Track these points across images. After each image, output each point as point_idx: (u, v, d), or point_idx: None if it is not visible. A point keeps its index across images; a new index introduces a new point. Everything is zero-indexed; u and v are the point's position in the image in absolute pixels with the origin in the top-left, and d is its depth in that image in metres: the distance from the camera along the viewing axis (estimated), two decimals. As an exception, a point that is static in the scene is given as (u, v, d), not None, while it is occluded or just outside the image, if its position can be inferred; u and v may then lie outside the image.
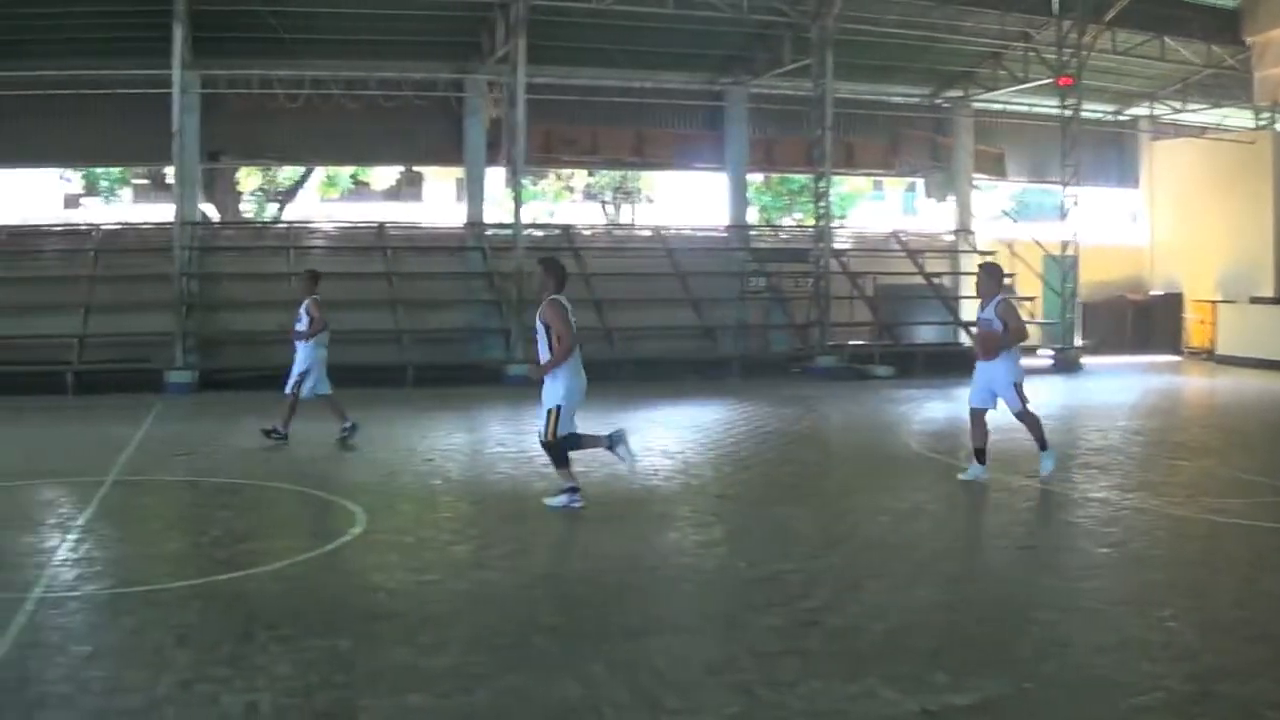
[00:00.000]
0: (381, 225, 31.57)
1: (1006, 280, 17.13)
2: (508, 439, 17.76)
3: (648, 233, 35.67)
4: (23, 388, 23.55)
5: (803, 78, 30.07)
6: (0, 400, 22.28)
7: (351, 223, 33.67)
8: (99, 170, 44.67)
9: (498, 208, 32.88)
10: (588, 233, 34.88)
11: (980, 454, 13.95)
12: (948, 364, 27.93)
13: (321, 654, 7.70)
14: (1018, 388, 13.72)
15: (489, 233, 30.55)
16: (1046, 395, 23.73)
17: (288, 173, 42.10)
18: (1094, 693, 7.07)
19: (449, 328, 28.71)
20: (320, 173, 44.02)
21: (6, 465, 15.66)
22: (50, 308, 26.31)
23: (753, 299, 31.83)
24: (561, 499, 12.47)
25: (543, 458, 13.19)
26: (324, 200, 47.23)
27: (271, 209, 42.52)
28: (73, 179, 47.25)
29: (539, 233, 33.18)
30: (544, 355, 12.42)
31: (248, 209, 42.00)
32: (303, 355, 17.58)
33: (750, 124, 33.81)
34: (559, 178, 48.61)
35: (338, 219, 35.77)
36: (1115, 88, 35.20)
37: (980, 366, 14.02)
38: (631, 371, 26.55)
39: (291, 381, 17.51)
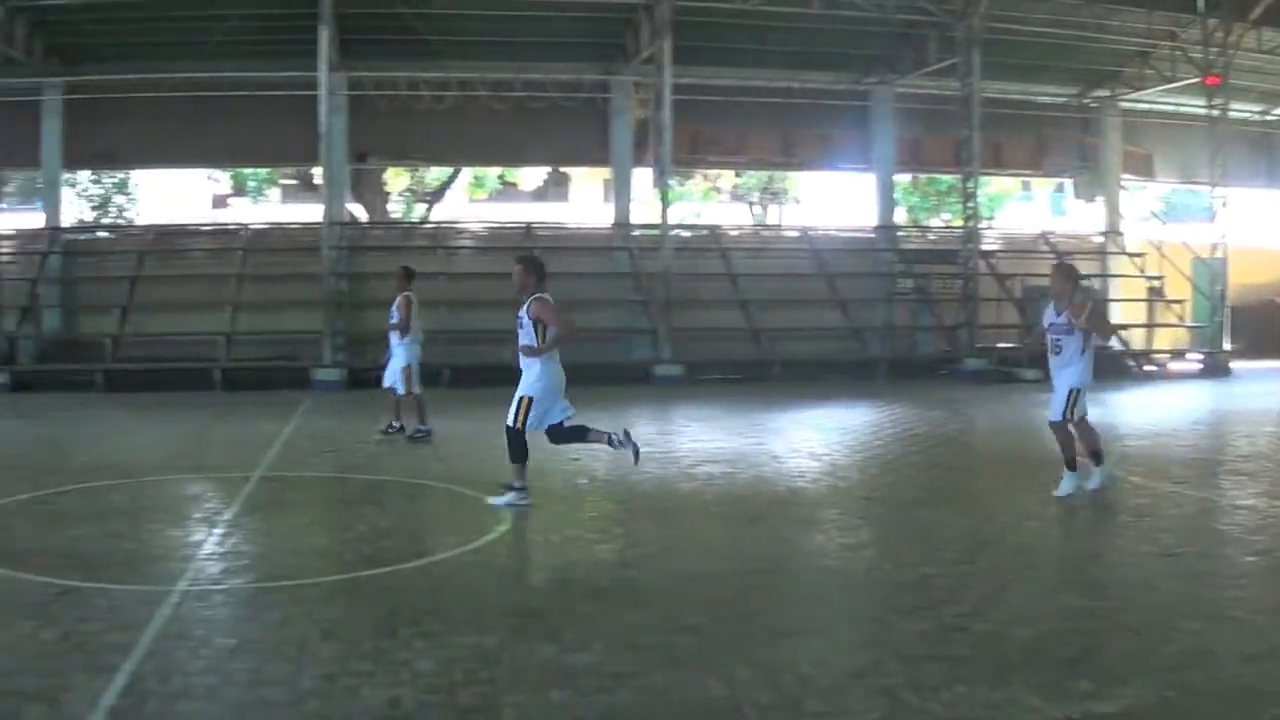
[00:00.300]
0: (529, 226, 31.62)
1: (1085, 282, 16.22)
2: (655, 439, 17.55)
3: (795, 233, 35.40)
4: (172, 384, 23.97)
5: (949, 77, 29.64)
6: (150, 396, 22.71)
7: (499, 223, 33.79)
8: (247, 171, 45.39)
9: (644, 208, 32.80)
10: (734, 233, 34.78)
11: (1096, 456, 13.05)
12: (1096, 367, 27.23)
13: (465, 650, 7.60)
14: (1073, 395, 12.75)
15: (635, 233, 30.47)
16: (1194, 400, 23.12)
17: (436, 173, 42.44)
18: (1239, 702, 6.79)
19: (596, 328, 28.67)
20: (468, 173, 44.32)
21: (155, 460, 15.88)
22: (199, 306, 26.79)
23: (900, 300, 31.45)
24: (509, 497, 12.34)
25: (689, 459, 13.06)
26: (472, 201, 47.54)
27: (419, 209, 42.87)
28: (221, 179, 48.11)
29: (685, 233, 33.05)
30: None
31: (395, 209, 42.38)
32: (402, 352, 17.70)
33: (896, 124, 33.40)
34: (706, 179, 48.52)
35: (485, 219, 35.89)
36: (1262, 87, 34.28)
37: (1054, 373, 13.13)
38: (778, 372, 26.31)
39: (400, 380, 17.64)
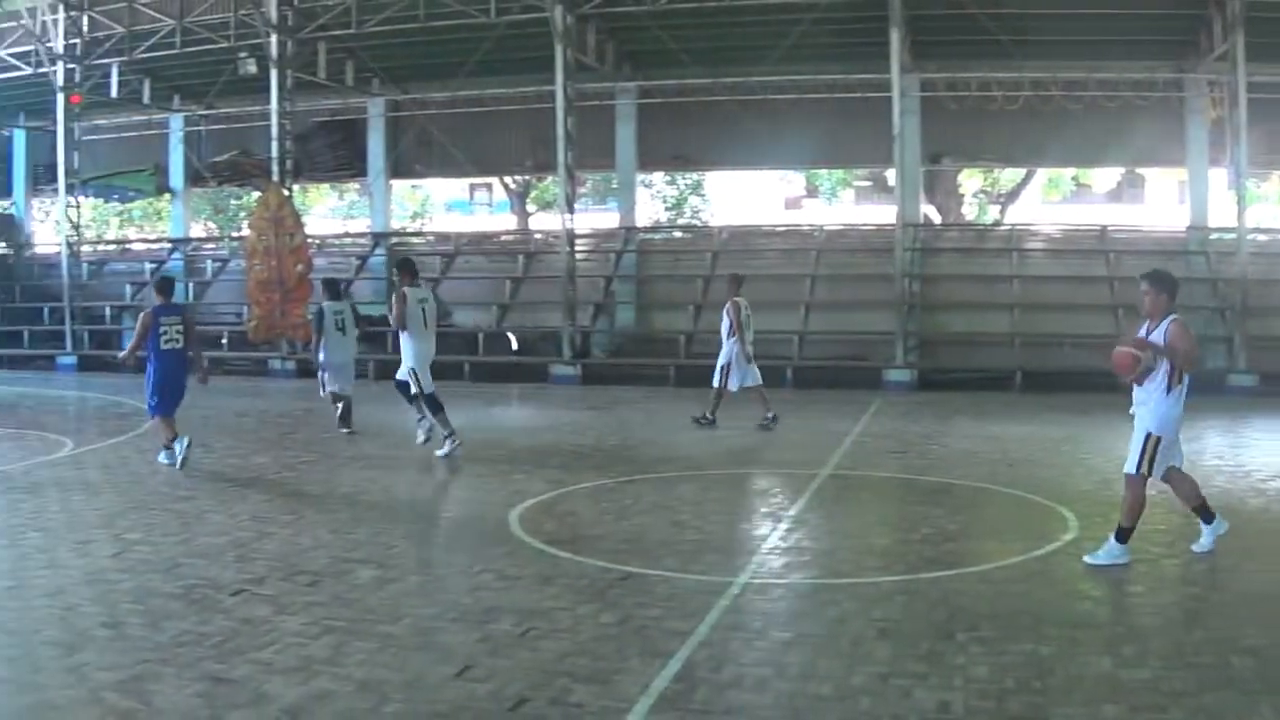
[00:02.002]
0: (1103, 228, 30.50)
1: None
2: (1225, 451, 16.46)
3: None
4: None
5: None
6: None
7: (1073, 226, 32.74)
8: (820, 172, 45.95)
9: (1220, 211, 30.99)
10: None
11: (1202, 512, 10.36)
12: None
13: (1020, 659, 7.40)
14: (1150, 444, 9.95)
15: (1212, 237, 28.83)
16: None
17: (1009, 175, 41.66)
18: None
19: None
20: (1042, 174, 43.27)
21: (725, 453, 16.25)
22: (772, 305, 27.22)
23: None
24: (447, 446, 15.80)
25: (1261, 472, 12.17)
26: (1045, 202, 46.45)
27: (993, 211, 42.23)
28: (794, 181, 48.92)
29: (1262, 237, 30.97)
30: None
31: (969, 211, 41.90)
32: (725, 350, 18.93)
33: None
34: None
35: (1059, 222, 34.88)
36: None
37: (1134, 409, 10.27)
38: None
39: (717, 375, 18.99)
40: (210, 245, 39.41)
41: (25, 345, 32.83)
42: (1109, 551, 9.86)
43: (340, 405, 18.74)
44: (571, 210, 27.15)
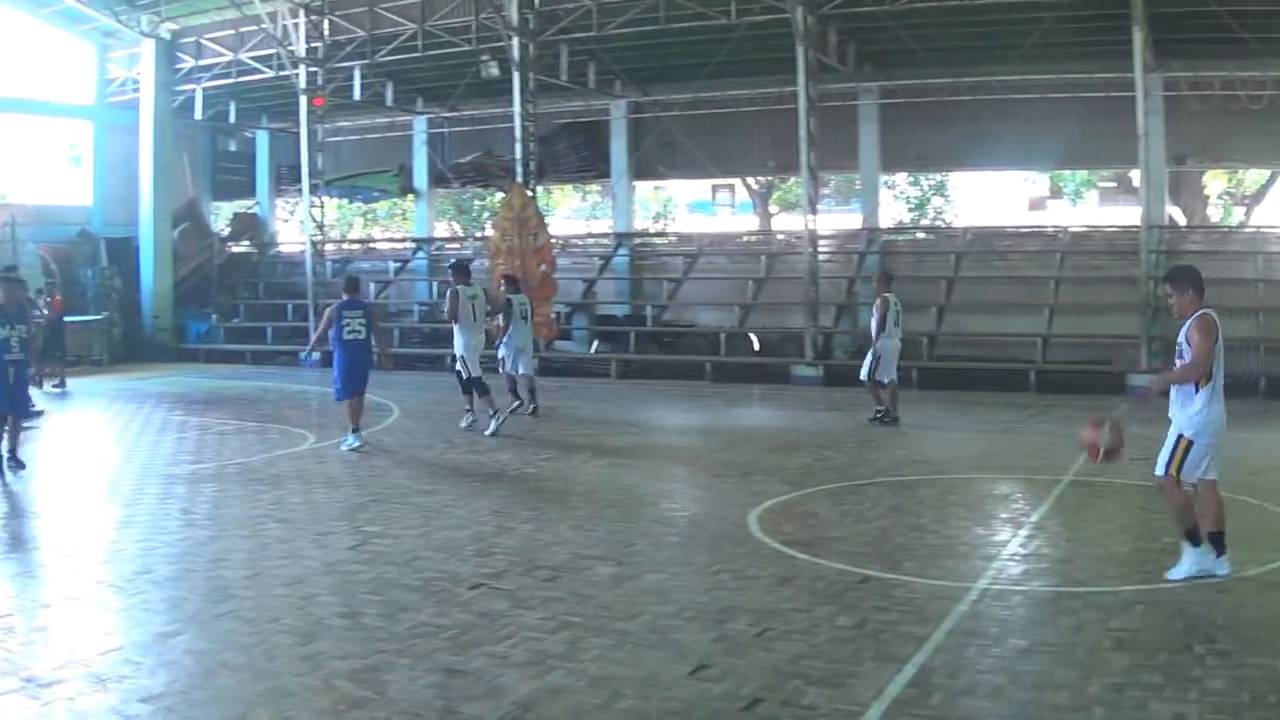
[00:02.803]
0: (1349, 229, 29.40)
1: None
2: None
3: None
4: (983, 383, 24.26)
5: None
6: (962, 395, 23.09)
7: (1320, 227, 31.62)
8: (1064, 173, 45.09)
9: None
10: None
11: (1192, 535, 9.63)
12: None
13: (1258, 672, 7.29)
14: (1181, 448, 9.51)
15: None
16: None
17: (1254, 176, 40.35)
18: None
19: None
20: (1288, 175, 41.81)
21: (965, 458, 16.17)
22: (1014, 307, 26.93)
23: None
24: (492, 424, 18.23)
25: None
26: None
27: (1238, 213, 40.96)
28: (1038, 182, 48.08)
29: None
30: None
31: (1214, 213, 40.71)
32: (878, 344, 19.45)
33: None
34: None
35: (1305, 223, 33.68)
36: None
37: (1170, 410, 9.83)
38: None
39: (866, 370, 19.63)
40: (453, 245, 40.47)
41: (268, 341, 34.20)
42: (1196, 562, 9.45)
43: (520, 389, 21.06)
44: (814, 211, 27.10)
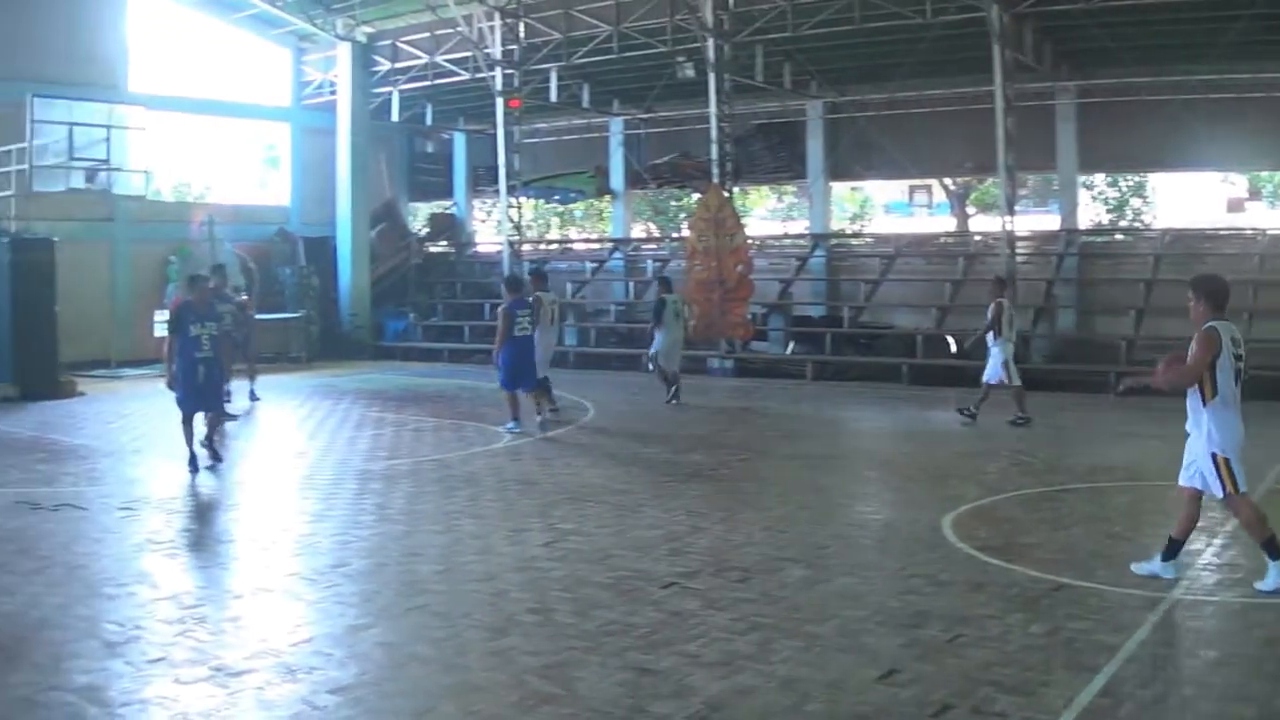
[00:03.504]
0: None
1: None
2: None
3: None
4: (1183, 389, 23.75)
5: None
6: (1160, 400, 22.55)
7: None
8: (1263, 174, 43.99)
9: None
10: None
11: (1173, 546, 9.92)
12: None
13: None
14: (1220, 464, 9.52)
15: None
16: None
17: None
18: None
19: None
20: None
21: (1161, 465, 15.79)
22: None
23: None
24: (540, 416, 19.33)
25: None
26: None
27: None
28: (1237, 183, 46.93)
29: None
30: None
31: None
32: (996, 351, 19.90)
33: None
34: None
35: None
36: None
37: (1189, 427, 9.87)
38: None
39: (988, 374, 20.01)
40: (650, 246, 40.87)
41: (465, 340, 34.74)
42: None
43: (670, 382, 22.92)
44: (1012, 212, 26.94)
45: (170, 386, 15.43)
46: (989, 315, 20.15)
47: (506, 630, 8.51)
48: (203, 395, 15.57)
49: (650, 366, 23.85)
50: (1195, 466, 9.76)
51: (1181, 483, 9.94)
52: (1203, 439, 9.63)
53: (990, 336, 20.07)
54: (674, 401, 22.67)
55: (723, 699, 7.12)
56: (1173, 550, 9.89)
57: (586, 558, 10.68)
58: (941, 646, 8.08)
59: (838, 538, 11.59)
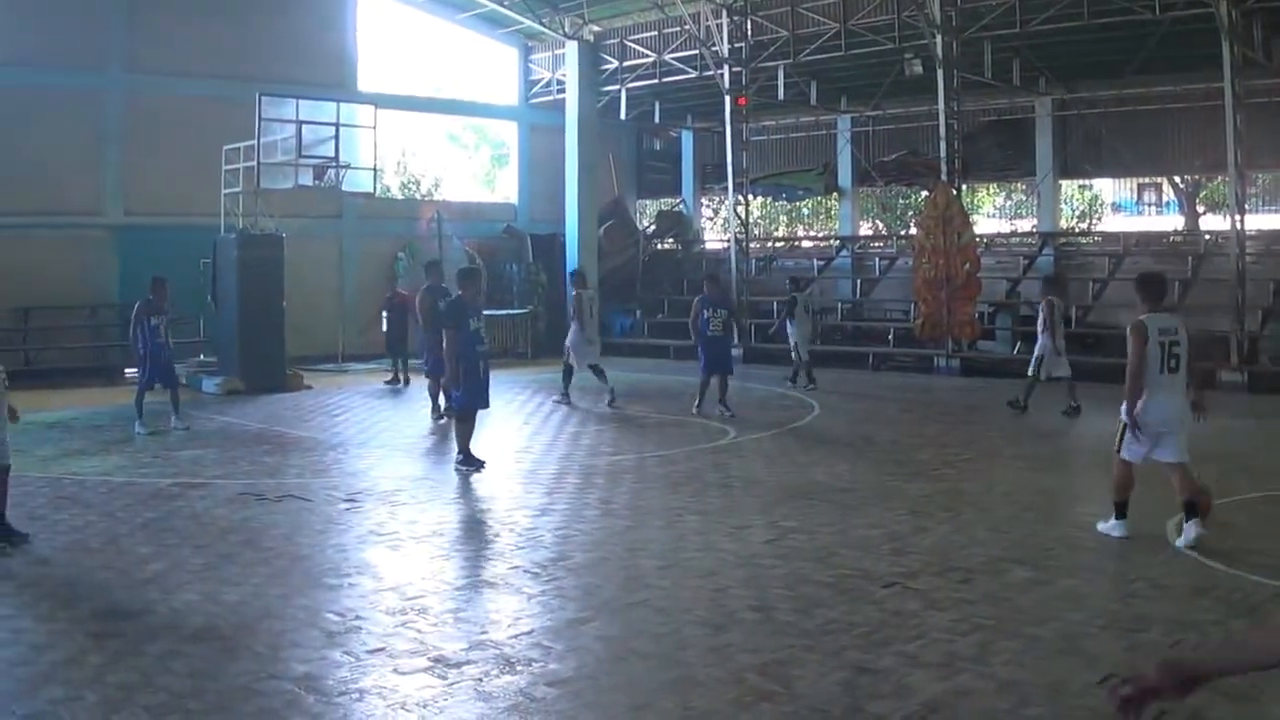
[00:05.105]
0: None
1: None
2: None
3: None
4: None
5: None
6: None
7: None
8: None
9: None
10: None
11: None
12: None
13: None
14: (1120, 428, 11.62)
15: None
16: None
17: None
18: None
19: None
20: None
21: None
22: None
23: None
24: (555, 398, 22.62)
25: None
26: None
27: None
28: None
29: None
30: None
31: None
32: (1040, 343, 20.90)
33: None
34: None
35: None
36: None
37: None
38: None
39: (1032, 365, 21.05)
40: (877, 244, 40.79)
41: (691, 337, 34.65)
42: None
43: (805, 370, 25.52)
44: (1242, 211, 26.37)
45: (446, 388, 15.65)
46: (1040, 314, 21.07)
47: (727, 627, 8.58)
48: (484, 393, 15.39)
49: (803, 356, 25.73)
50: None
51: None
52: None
53: (1040, 331, 20.99)
54: (811, 386, 24.82)
55: (941, 700, 7.14)
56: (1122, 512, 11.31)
57: (808, 556, 10.72)
58: (1162, 651, 7.78)
59: (1062, 540, 11.48)
